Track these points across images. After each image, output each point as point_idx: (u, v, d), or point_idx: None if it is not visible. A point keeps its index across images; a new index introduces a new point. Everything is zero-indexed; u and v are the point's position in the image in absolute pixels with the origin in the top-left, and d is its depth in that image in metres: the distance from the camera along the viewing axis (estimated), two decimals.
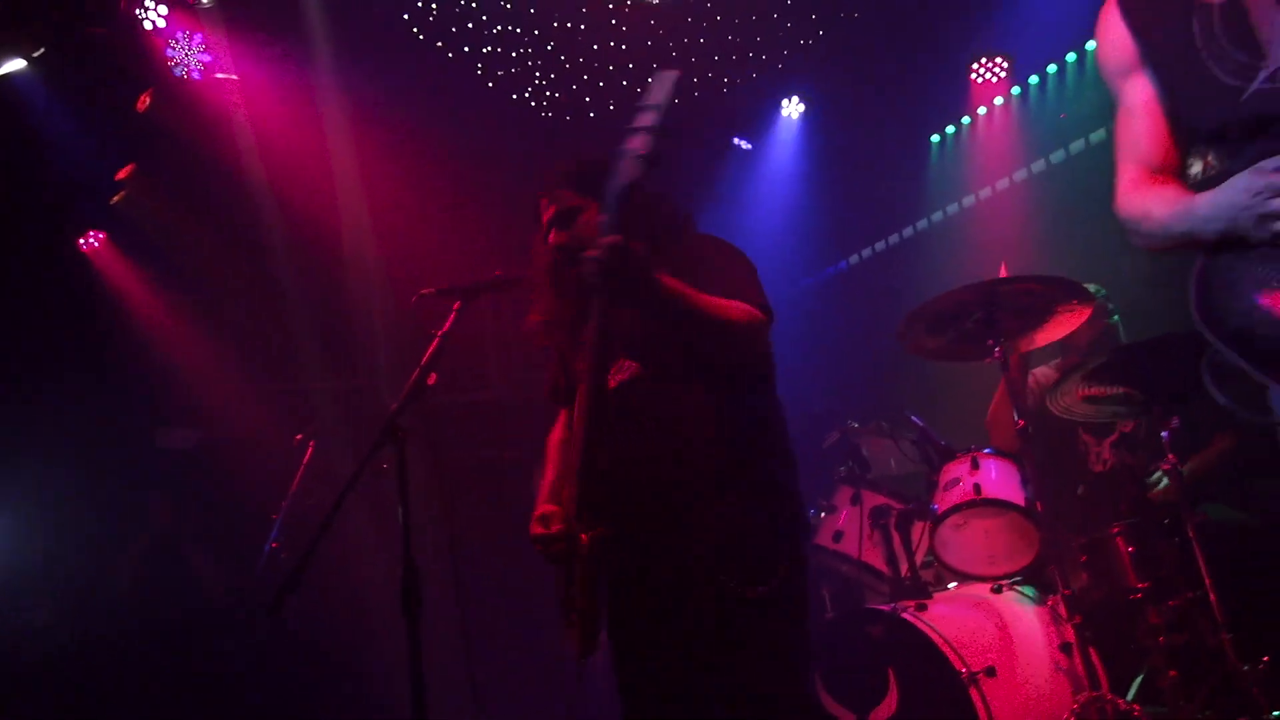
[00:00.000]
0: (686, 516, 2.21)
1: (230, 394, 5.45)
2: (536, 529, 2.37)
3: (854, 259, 7.23)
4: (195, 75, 5.25)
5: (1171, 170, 1.83)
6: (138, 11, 4.91)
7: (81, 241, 5.63)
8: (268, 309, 5.71)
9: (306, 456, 4.83)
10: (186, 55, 5.17)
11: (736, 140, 6.87)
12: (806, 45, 5.70)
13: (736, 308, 2.23)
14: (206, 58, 5.27)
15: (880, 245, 7.06)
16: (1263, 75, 1.62)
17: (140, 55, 4.93)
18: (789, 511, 2.31)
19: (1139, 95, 1.85)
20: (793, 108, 6.67)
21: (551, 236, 2.54)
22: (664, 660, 2.24)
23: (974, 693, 3.00)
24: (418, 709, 2.38)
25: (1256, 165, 1.57)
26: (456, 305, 3.15)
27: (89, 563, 4.94)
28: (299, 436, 4.86)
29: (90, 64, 4.83)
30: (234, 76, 5.15)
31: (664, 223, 2.46)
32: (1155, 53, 1.79)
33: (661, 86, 1.96)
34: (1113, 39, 1.87)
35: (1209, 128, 1.75)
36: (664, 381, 2.30)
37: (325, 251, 5.47)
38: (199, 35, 5.17)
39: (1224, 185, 1.65)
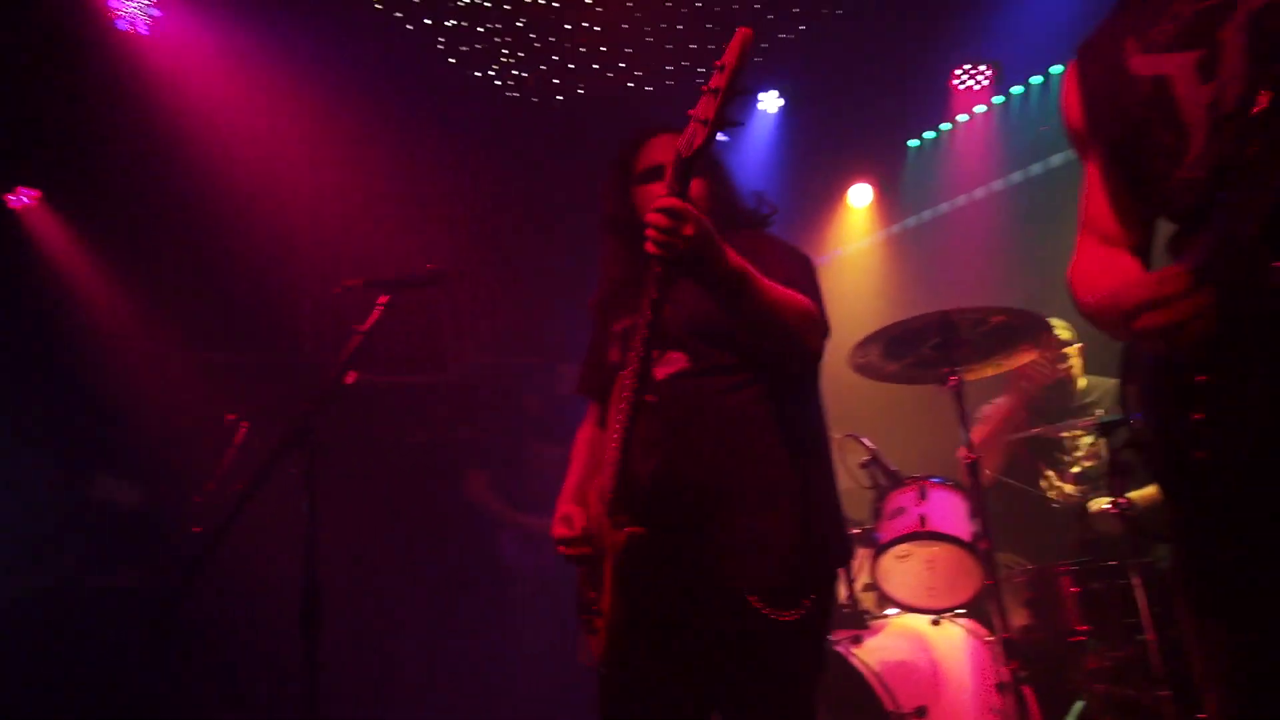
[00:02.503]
0: (726, 528, 2.03)
1: (160, 362, 5.23)
2: (560, 529, 2.22)
3: (823, 260, 7.09)
4: (142, 29, 4.99)
5: (1122, 240, 1.73)
6: None
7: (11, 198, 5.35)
8: (207, 277, 5.47)
9: (238, 438, 4.65)
10: (133, 5, 4.91)
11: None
12: (787, 39, 5.52)
13: (799, 300, 2.07)
14: (156, 11, 5.01)
15: (850, 249, 6.92)
16: (1183, 164, 1.52)
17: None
18: (836, 534, 2.17)
19: (1091, 169, 1.76)
20: (770, 101, 6.50)
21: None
22: (670, 672, 2.09)
23: None
24: None
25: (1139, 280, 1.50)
26: (383, 300, 2.99)
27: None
28: (230, 416, 4.67)
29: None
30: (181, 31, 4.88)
31: (731, 202, 2.35)
32: (1101, 125, 1.69)
33: (736, 46, 1.75)
34: (1068, 103, 1.78)
35: (1150, 206, 1.66)
36: (715, 377, 2.12)
37: (269, 223, 5.24)
38: None
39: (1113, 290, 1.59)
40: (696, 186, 2.03)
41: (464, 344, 6.36)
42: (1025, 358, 3.40)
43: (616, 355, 2.22)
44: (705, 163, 2.00)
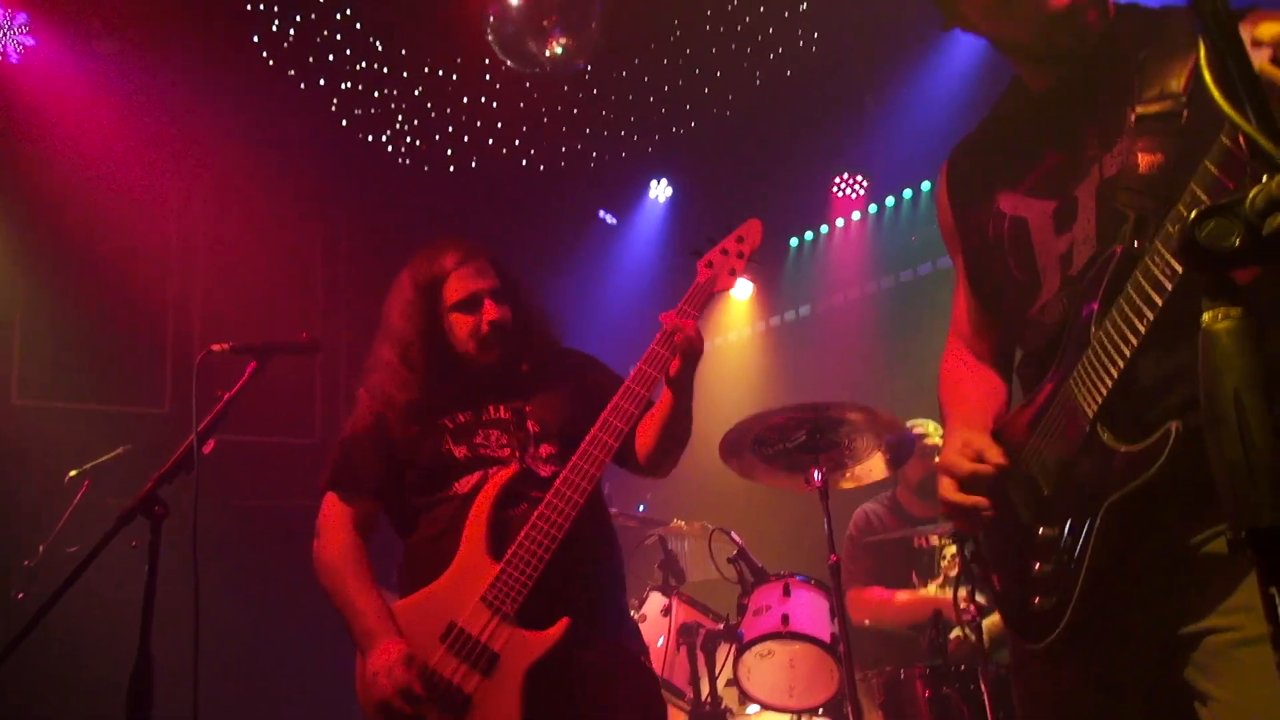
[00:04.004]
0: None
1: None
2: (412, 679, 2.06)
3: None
4: (13, 58, 4.74)
5: (983, 347, 1.82)
6: None
7: None
8: (66, 324, 5.12)
9: (78, 496, 4.32)
10: (4, 34, 4.66)
11: (602, 213, 6.80)
12: (679, 134, 5.70)
13: None
14: (29, 40, 4.77)
15: (730, 337, 7.09)
16: (1035, 305, 1.60)
17: None
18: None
19: (958, 266, 1.83)
20: (660, 190, 6.68)
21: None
22: None
23: None
24: None
25: (966, 440, 1.59)
26: (252, 366, 2.87)
27: None
28: (71, 474, 4.34)
29: None
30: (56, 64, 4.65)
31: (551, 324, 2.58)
32: (967, 239, 1.76)
33: (759, 231, 2.43)
34: (940, 204, 1.85)
35: (1005, 326, 1.75)
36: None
37: (139, 272, 4.96)
38: (22, 15, 4.68)
39: (951, 426, 1.72)
40: (534, 311, 2.49)
41: (336, 408, 6.15)
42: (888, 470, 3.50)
43: (463, 451, 2.31)
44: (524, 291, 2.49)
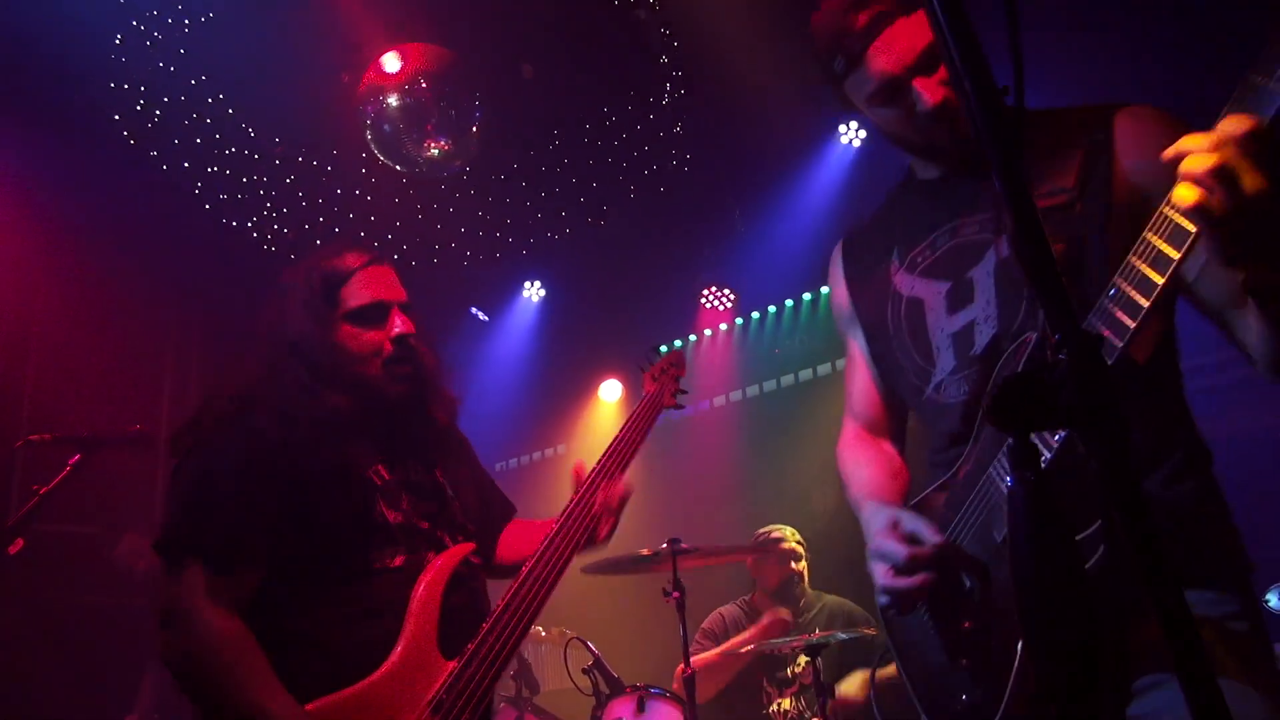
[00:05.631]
0: None
1: None
2: None
3: (560, 449, 7.21)
4: None
5: (882, 425, 1.85)
6: None
7: None
8: None
9: None
10: None
11: (474, 310, 6.78)
12: (553, 238, 5.78)
13: None
14: None
15: (588, 441, 7.10)
16: (930, 384, 1.65)
17: None
18: None
19: (855, 349, 1.87)
20: (533, 291, 6.73)
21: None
22: None
23: None
24: None
25: (894, 521, 1.55)
26: (75, 459, 2.68)
27: None
28: None
29: None
30: None
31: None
32: (864, 317, 1.81)
33: (682, 360, 2.66)
34: (835, 286, 1.90)
35: (904, 403, 1.79)
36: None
37: None
38: None
39: (873, 506, 1.66)
40: (437, 352, 2.08)
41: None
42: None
43: (396, 517, 1.88)
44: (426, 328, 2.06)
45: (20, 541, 2.49)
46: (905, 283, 1.70)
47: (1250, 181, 1.12)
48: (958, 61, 0.83)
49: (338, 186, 5.31)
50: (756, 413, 6.50)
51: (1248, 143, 1.12)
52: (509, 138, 5.23)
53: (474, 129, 4.84)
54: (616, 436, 2.18)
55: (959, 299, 1.60)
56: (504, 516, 2.27)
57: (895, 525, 1.53)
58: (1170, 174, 1.18)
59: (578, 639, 3.82)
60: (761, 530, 4.41)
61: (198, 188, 4.61)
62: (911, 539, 1.50)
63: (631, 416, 2.27)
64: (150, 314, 4.96)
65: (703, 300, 6.49)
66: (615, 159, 5.41)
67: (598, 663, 3.72)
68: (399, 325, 1.93)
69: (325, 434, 1.85)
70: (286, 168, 5.12)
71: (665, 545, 3.52)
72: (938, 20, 0.83)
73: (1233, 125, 1.13)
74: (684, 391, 2.60)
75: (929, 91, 1.53)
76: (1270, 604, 3.32)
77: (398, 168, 4.75)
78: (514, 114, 5.07)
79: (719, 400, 6.73)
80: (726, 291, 6.42)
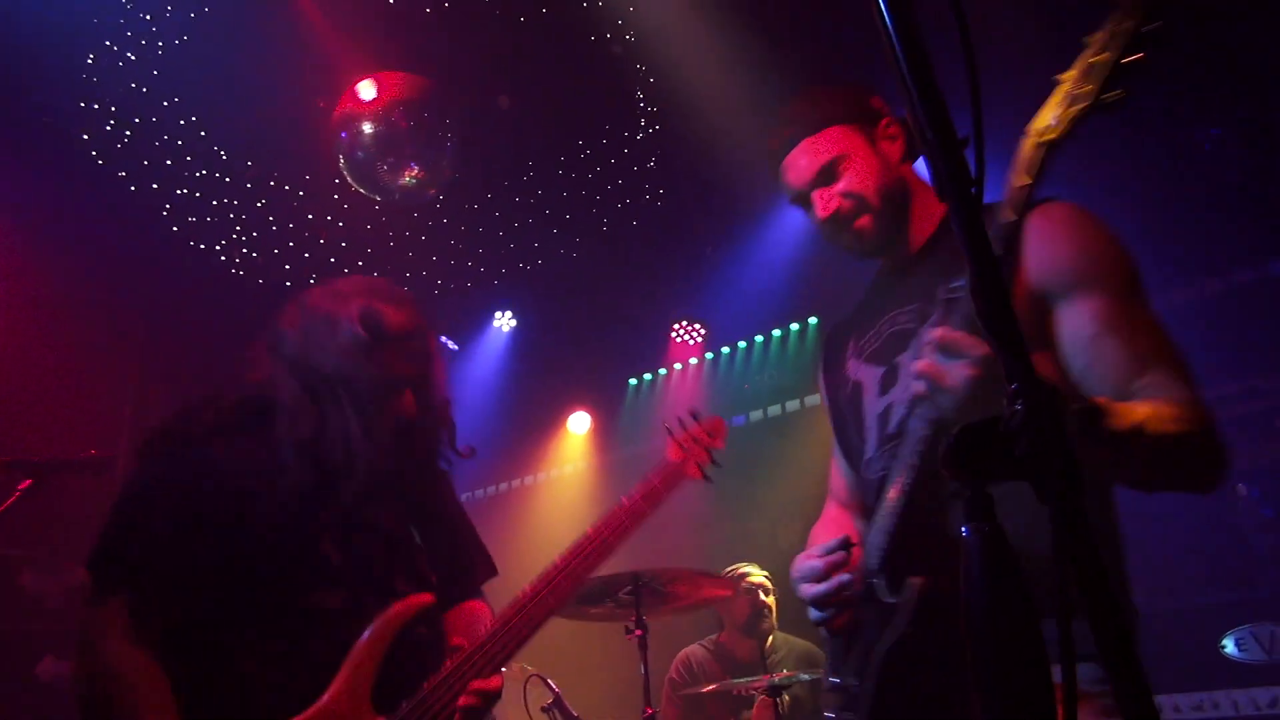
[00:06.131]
0: None
1: None
2: None
3: (528, 480, 7.17)
4: None
5: (852, 505, 1.91)
6: None
7: None
8: None
9: None
10: None
11: (443, 339, 6.75)
12: (525, 269, 5.79)
13: None
14: None
15: (566, 470, 7.07)
16: (863, 462, 1.72)
17: None
18: None
19: (832, 432, 1.95)
20: (505, 321, 6.72)
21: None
22: None
23: None
24: None
25: (807, 550, 1.65)
26: (26, 483, 2.61)
27: None
28: None
29: None
30: None
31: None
32: (830, 403, 1.92)
33: (724, 430, 2.50)
34: (819, 374, 2.01)
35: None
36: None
37: None
38: None
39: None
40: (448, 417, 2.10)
41: None
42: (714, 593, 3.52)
43: (338, 557, 1.80)
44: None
45: None
46: (854, 368, 1.81)
47: None
48: (919, 108, 0.84)
49: (309, 212, 5.28)
50: (726, 448, 6.48)
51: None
52: (483, 167, 5.24)
53: (448, 158, 4.84)
54: (616, 508, 2.04)
55: (888, 383, 1.70)
56: (484, 575, 2.16)
57: (808, 551, 1.66)
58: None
59: (538, 675, 3.75)
60: (728, 569, 4.40)
61: (166, 209, 4.56)
62: (826, 551, 1.61)
63: (641, 487, 2.10)
64: (114, 337, 4.87)
65: (673, 334, 6.51)
66: (589, 191, 5.43)
67: (557, 701, 3.66)
68: (405, 409, 1.93)
69: (301, 464, 1.79)
70: (258, 192, 5.10)
71: (628, 589, 3.45)
72: (899, 65, 0.84)
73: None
74: (718, 465, 2.37)
75: (820, 204, 1.75)
76: (1226, 650, 3.35)
77: (371, 195, 4.73)
78: (488, 144, 5.09)
79: None
80: (697, 326, 6.45)
